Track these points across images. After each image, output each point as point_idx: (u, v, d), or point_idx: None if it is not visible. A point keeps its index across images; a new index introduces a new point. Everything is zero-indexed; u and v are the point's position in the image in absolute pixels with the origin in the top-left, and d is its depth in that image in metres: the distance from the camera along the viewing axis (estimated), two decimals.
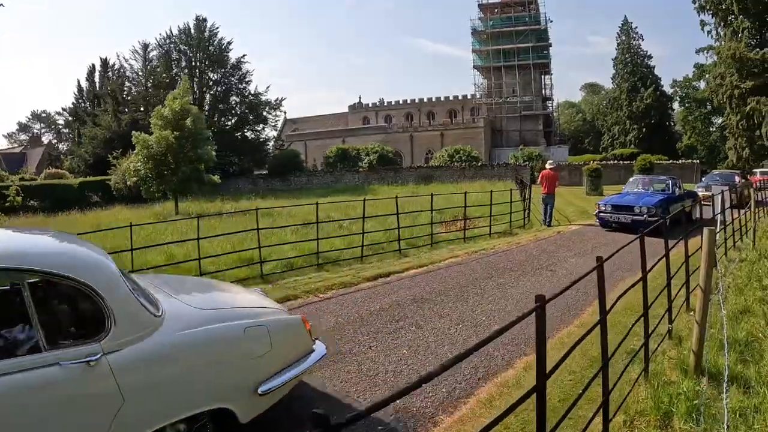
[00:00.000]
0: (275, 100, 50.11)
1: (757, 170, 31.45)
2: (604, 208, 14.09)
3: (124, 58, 79.70)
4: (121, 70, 54.39)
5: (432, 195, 13.81)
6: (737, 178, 20.48)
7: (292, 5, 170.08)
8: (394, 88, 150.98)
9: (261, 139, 50.29)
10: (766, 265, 7.96)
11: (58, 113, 78.42)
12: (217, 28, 49.67)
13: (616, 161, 41.31)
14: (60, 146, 73.08)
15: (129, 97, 49.79)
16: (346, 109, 72.05)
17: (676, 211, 12.11)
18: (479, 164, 33.21)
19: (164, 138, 23.62)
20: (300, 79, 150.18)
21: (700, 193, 16.57)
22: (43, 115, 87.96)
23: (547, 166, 15.88)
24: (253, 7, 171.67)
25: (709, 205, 14.96)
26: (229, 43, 49.91)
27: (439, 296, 7.74)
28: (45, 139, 77.18)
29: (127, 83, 52.38)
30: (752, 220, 11.11)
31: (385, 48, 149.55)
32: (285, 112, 78.53)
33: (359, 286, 8.57)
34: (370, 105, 70.22)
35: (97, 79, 62.19)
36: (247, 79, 49.81)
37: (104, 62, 61.26)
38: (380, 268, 9.77)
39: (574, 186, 31.59)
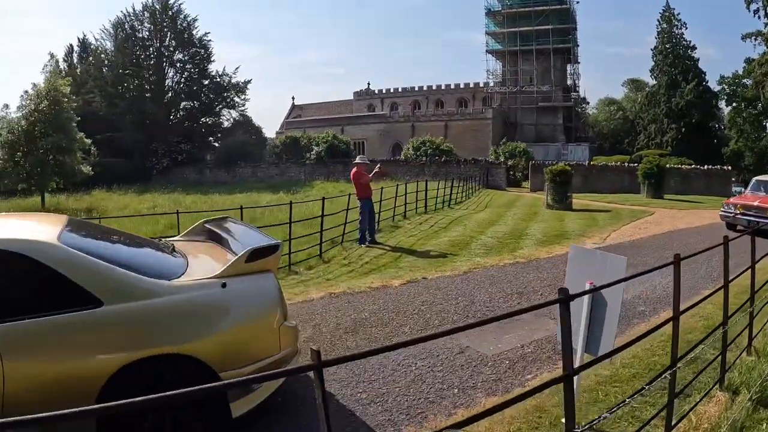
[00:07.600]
0: (242, 83, 46.10)
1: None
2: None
3: (94, 38, 74.90)
4: (98, 51, 51.32)
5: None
6: None
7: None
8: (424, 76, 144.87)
9: (221, 126, 46.34)
10: None
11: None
12: (182, 3, 46.22)
13: (630, 164, 34.66)
14: None
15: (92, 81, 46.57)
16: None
17: None
18: (443, 160, 27.63)
19: (17, 123, 21.78)
20: (350, 69, 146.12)
21: None
22: None
23: (357, 160, 11.45)
24: None
25: None
26: (195, 19, 46.52)
27: None
28: None
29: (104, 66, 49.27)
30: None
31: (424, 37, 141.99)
32: (294, 98, 74.41)
33: None
34: (376, 92, 64.76)
35: (76, 60, 58.72)
36: (212, 59, 46.46)
37: (82, 42, 57.25)
38: None
39: None
